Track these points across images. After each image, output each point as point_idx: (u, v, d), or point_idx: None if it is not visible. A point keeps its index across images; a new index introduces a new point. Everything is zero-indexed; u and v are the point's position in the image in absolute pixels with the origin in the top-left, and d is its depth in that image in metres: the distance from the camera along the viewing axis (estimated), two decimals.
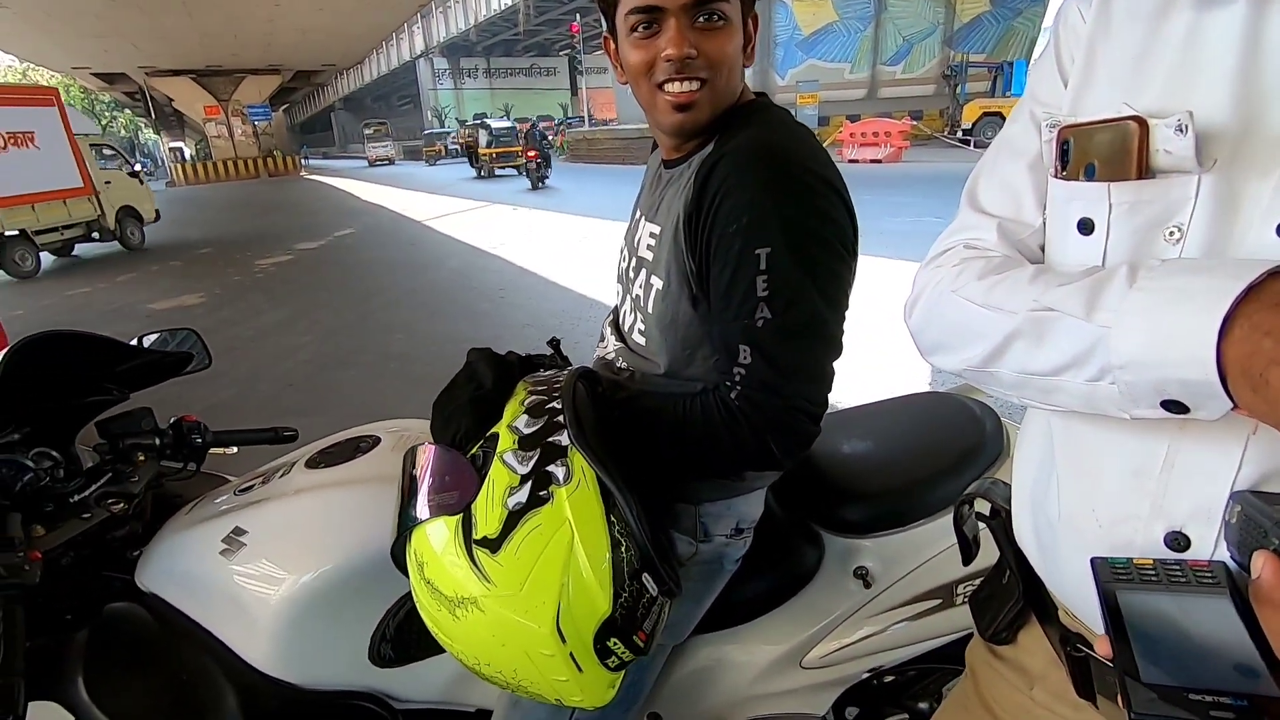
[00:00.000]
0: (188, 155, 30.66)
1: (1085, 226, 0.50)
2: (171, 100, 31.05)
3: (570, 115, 38.78)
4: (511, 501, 0.71)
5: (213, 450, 1.28)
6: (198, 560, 0.98)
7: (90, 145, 10.82)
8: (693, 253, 0.83)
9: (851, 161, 15.18)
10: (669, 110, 0.83)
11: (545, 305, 5.74)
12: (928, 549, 1.01)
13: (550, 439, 0.75)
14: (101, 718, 0.88)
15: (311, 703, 0.95)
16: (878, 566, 1.00)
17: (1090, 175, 0.49)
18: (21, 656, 0.78)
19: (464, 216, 11.77)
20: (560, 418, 0.77)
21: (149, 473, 1.14)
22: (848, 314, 0.84)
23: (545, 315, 5.42)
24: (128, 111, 45.30)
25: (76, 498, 1.04)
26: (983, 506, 0.72)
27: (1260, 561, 0.39)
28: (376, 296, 6.62)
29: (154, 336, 1.33)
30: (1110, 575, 0.46)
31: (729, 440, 0.80)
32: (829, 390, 0.83)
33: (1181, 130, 0.44)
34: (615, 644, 0.69)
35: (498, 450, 0.75)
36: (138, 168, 12.05)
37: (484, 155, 19.81)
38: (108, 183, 10.81)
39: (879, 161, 14.92)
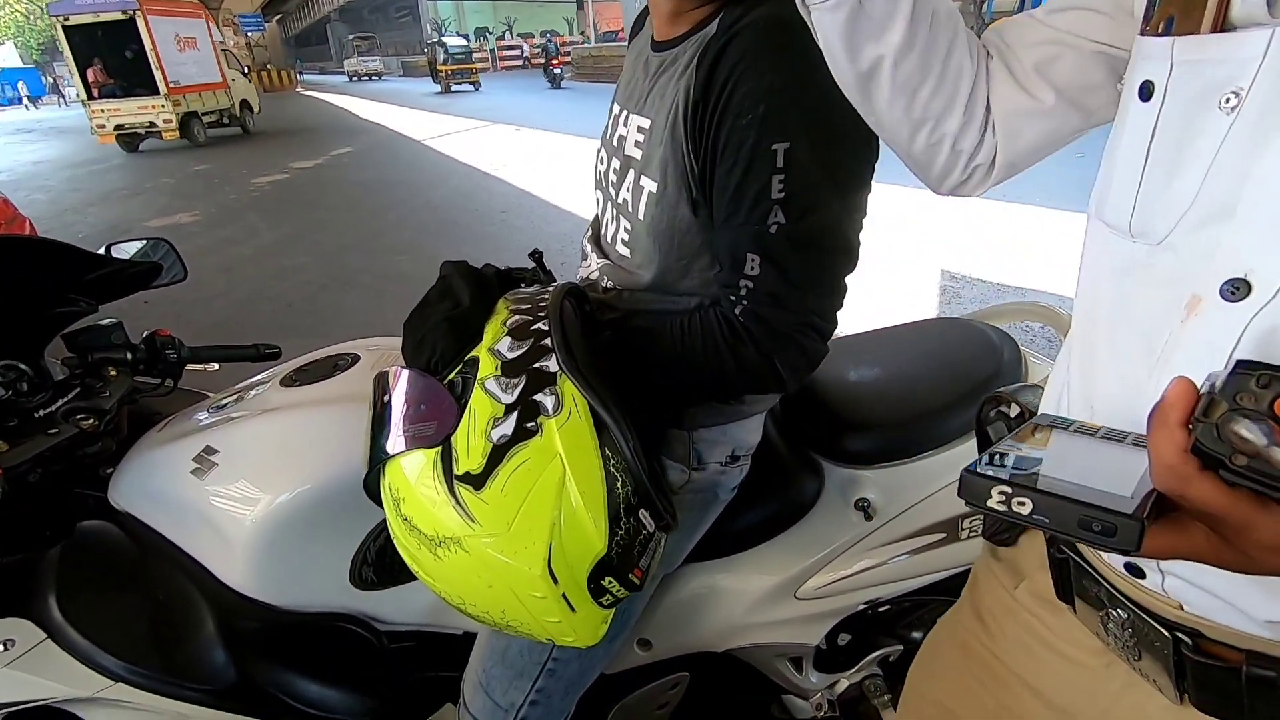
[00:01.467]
0: None
1: (1145, 91, 0.44)
2: None
3: (575, 30, 37.08)
4: (495, 434, 0.64)
5: (193, 367, 1.23)
6: (169, 479, 0.94)
7: (221, 50, 14.44)
8: (696, 150, 0.72)
9: None
10: None
11: (547, 228, 5.59)
12: (934, 482, 0.96)
13: (537, 364, 0.68)
14: (75, 635, 0.86)
15: (292, 624, 0.93)
16: (880, 498, 0.96)
17: (1168, 29, 0.42)
18: None
19: (464, 136, 11.39)
20: (547, 340, 0.70)
21: (121, 388, 1.09)
22: (864, 222, 0.75)
23: (548, 238, 5.29)
24: None
25: (42, 413, 1.00)
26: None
27: (1172, 383, 0.34)
28: (377, 217, 6.47)
29: (126, 246, 1.26)
30: (1047, 420, 0.42)
31: (732, 360, 0.73)
32: (841, 306, 0.75)
33: None
34: (610, 583, 0.64)
35: (478, 377, 0.68)
36: (247, 69, 16.08)
37: (441, 70, 21.95)
38: (233, 80, 14.50)
39: None
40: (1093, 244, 0.52)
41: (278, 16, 39.44)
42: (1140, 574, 0.49)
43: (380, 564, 0.92)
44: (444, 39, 23.20)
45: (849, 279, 0.75)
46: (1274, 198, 0.37)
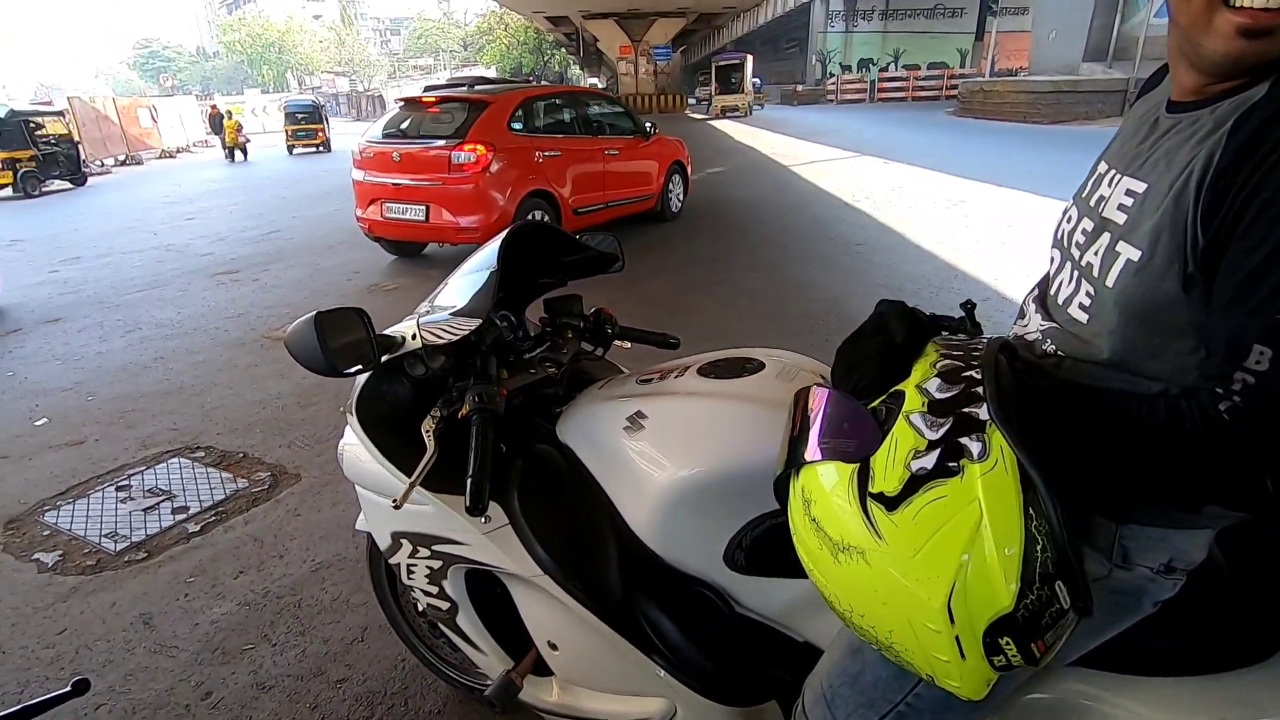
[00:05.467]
0: (602, 87, 35.87)
1: None
2: (596, 40, 35.80)
3: (970, 63, 34.66)
4: (915, 465, 0.67)
5: (616, 342, 1.50)
6: (604, 430, 1.16)
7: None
8: (1207, 221, 0.64)
9: None
10: (1231, 35, 0.63)
11: (904, 267, 5.38)
12: None
13: (966, 409, 0.69)
14: (526, 528, 1.12)
15: (669, 577, 1.07)
16: None
17: None
18: (489, 464, 1.01)
19: (831, 165, 11.52)
20: (979, 389, 0.70)
21: (573, 348, 1.38)
22: None
23: (902, 277, 5.09)
24: (563, 50, 53.73)
25: (527, 356, 1.31)
26: None
27: None
28: (739, 234, 6.94)
29: (589, 237, 1.57)
30: None
31: (1200, 463, 0.64)
32: None
33: None
34: (1008, 644, 0.62)
35: (903, 409, 0.72)
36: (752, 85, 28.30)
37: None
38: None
39: None
40: None
41: (682, 48, 44.52)
42: None
43: (752, 552, 1.02)
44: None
45: None
46: None
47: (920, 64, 35.32)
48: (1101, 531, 0.79)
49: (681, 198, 8.04)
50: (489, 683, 1.30)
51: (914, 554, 0.65)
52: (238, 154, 19.47)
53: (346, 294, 5.48)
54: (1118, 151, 0.82)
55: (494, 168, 5.59)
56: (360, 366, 1.07)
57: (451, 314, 1.16)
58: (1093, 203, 0.82)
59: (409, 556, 1.28)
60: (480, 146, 5.54)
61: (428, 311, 1.24)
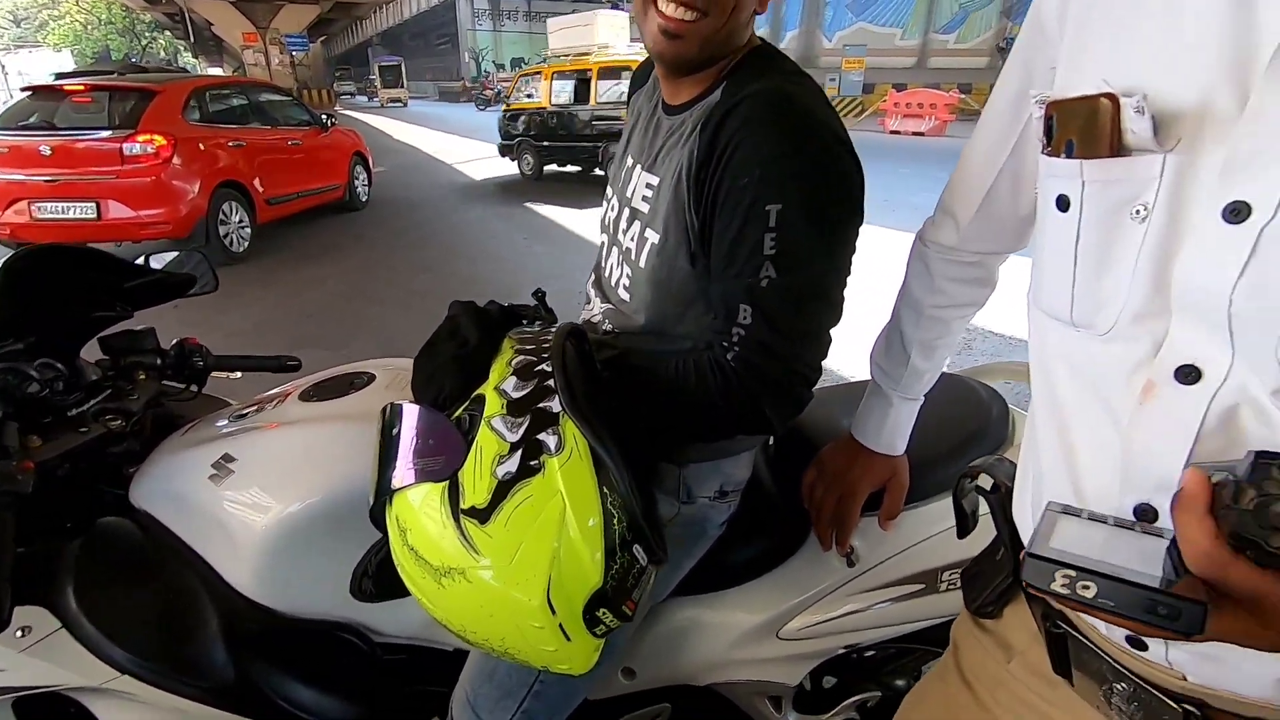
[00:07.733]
0: None
1: (1062, 203, 0.50)
2: (211, 25, 30.78)
3: None
4: (501, 471, 0.68)
5: (218, 374, 1.29)
6: (188, 482, 0.99)
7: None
8: (697, 207, 0.79)
9: (894, 133, 14.73)
10: (656, 34, 0.79)
11: (569, 256, 5.70)
12: (916, 533, 0.98)
13: (540, 405, 0.72)
14: (88, 626, 0.90)
15: (292, 629, 0.96)
16: (864, 546, 0.98)
17: (1069, 152, 0.48)
18: (9, 563, 0.79)
19: (493, 162, 11.65)
20: (551, 381, 0.74)
21: (148, 391, 1.15)
22: (849, 279, 0.81)
23: (569, 266, 5.39)
24: (168, 34, 45.16)
25: (75, 411, 1.05)
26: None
27: (1185, 474, 0.37)
28: (404, 235, 6.65)
29: (164, 256, 1.32)
30: (1058, 508, 0.43)
31: (723, 403, 0.78)
32: (825, 356, 0.81)
33: (1139, 111, 0.43)
34: (604, 614, 0.68)
35: (485, 415, 0.73)
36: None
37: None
38: None
39: (921, 134, 14.40)
40: (1038, 331, 0.57)
41: (322, 39, 40.72)
42: (1143, 647, 0.50)
43: (380, 577, 0.96)
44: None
45: (834, 331, 0.81)
46: (1199, 292, 0.42)
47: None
48: (668, 476, 0.92)
49: (368, 187, 8.21)
50: None
51: (510, 561, 0.66)
52: None
53: None
54: (637, 145, 0.94)
55: (176, 159, 5.27)
56: None
57: None
58: (627, 193, 0.93)
59: None
60: (158, 137, 5.21)
61: None
